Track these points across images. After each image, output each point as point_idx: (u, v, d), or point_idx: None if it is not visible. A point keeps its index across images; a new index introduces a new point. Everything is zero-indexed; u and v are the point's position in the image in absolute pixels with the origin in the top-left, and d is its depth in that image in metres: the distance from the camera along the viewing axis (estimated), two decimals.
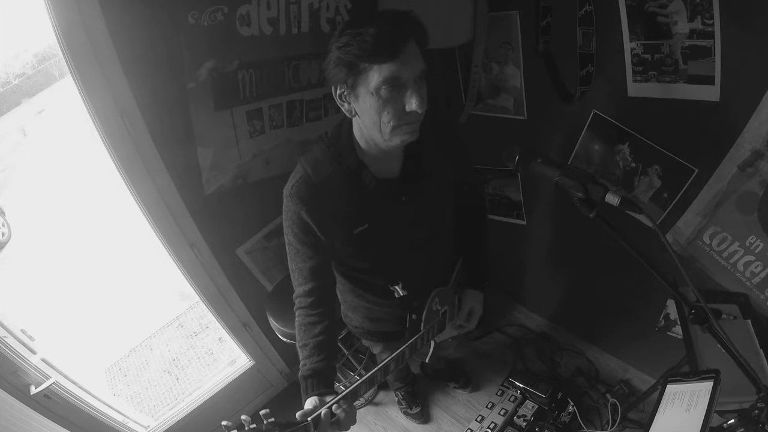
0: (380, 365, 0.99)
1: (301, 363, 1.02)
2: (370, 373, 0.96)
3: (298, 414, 0.87)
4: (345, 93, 0.86)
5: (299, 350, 1.04)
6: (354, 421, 0.91)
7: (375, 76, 0.80)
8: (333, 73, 0.84)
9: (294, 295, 1.10)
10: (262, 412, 0.77)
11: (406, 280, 1.12)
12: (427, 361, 1.26)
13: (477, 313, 1.29)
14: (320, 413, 0.85)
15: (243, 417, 0.75)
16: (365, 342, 1.45)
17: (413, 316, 1.15)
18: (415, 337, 1.10)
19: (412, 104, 0.82)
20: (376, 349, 1.47)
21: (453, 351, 1.82)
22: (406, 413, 2.01)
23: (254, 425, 0.75)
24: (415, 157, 1.01)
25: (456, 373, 2.08)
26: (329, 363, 1.03)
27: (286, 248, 1.06)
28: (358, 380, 0.94)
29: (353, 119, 0.93)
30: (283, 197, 1.00)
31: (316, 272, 1.04)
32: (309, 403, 0.91)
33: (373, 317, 1.29)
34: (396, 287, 1.11)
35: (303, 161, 0.99)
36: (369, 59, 0.79)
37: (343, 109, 0.91)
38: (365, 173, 0.97)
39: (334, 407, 0.87)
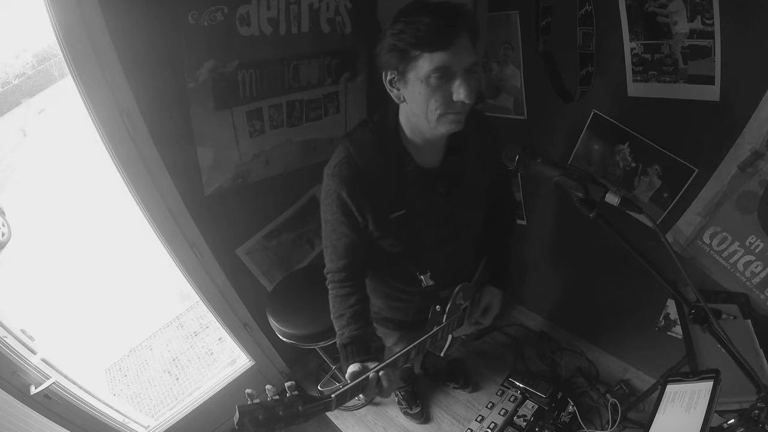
0: (411, 346, 1.00)
1: (339, 332, 1.06)
2: (408, 348, 0.99)
3: (348, 374, 0.93)
4: (395, 79, 0.89)
5: (335, 321, 1.08)
6: (396, 388, 0.96)
7: (426, 64, 0.82)
8: (385, 59, 0.87)
9: (325, 270, 1.12)
10: (287, 384, 0.77)
11: (435, 270, 1.13)
12: (442, 355, 1.26)
13: (494, 310, 1.30)
14: (368, 376, 0.90)
15: (267, 387, 0.76)
16: (380, 331, 1.45)
17: (437, 308, 1.16)
18: (437, 328, 1.11)
19: (460, 94, 0.84)
20: (389, 341, 1.46)
21: (455, 351, 1.82)
22: (406, 413, 2.01)
23: (277, 396, 0.75)
24: (456, 150, 1.03)
25: (456, 373, 2.08)
26: (366, 330, 1.07)
27: (322, 225, 1.07)
28: (399, 352, 0.98)
29: (401, 106, 0.95)
30: (324, 176, 1.02)
31: (350, 250, 1.06)
32: (352, 368, 0.96)
33: (394, 305, 1.30)
34: (424, 276, 1.13)
35: (347, 142, 1.00)
36: (421, 47, 0.81)
37: (392, 95, 0.93)
38: (408, 160, 0.99)
39: (380, 373, 0.92)
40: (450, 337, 1.22)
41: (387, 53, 0.85)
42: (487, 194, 1.19)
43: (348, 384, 0.87)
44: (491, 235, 1.30)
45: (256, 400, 0.74)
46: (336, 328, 1.08)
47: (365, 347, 1.05)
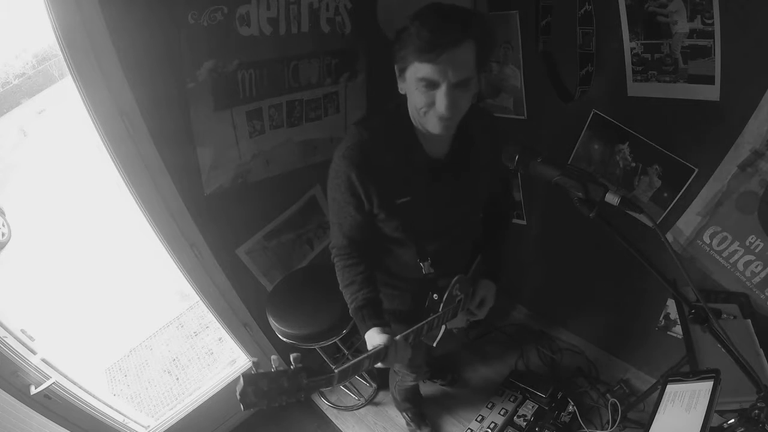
0: (410, 329, 1.05)
1: (351, 298, 1.09)
2: (408, 331, 1.04)
3: (367, 338, 1.01)
4: (399, 72, 0.93)
5: (345, 289, 1.11)
6: (406, 360, 1.03)
7: (415, 70, 0.87)
8: (395, 54, 0.91)
9: (330, 245, 1.15)
10: (293, 356, 0.77)
11: (435, 258, 1.15)
12: (434, 345, 1.26)
13: (488, 303, 1.32)
14: (386, 346, 0.96)
15: (273, 357, 0.77)
16: None
17: (435, 296, 1.17)
18: (433, 316, 1.12)
19: (440, 105, 0.88)
20: None
21: (447, 345, 1.81)
22: None
23: (282, 367, 0.76)
24: (462, 143, 1.06)
25: (443, 370, 2.07)
26: (377, 295, 1.11)
27: (329, 202, 1.10)
28: (418, 324, 1.05)
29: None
30: (335, 156, 1.04)
31: (355, 229, 1.09)
32: (372, 332, 1.02)
33: (390, 292, 1.30)
34: (424, 264, 1.15)
35: (360, 127, 1.03)
36: (413, 56, 0.85)
37: (399, 85, 0.96)
38: (417, 149, 1.03)
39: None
40: (443, 327, 1.23)
41: (396, 51, 0.90)
42: (489, 189, 1.21)
43: (352, 360, 0.89)
44: (489, 230, 1.32)
45: (261, 370, 0.73)
46: (347, 296, 1.10)
47: (379, 311, 1.08)
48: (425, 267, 1.15)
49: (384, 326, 1.05)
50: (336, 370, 0.83)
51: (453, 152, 1.07)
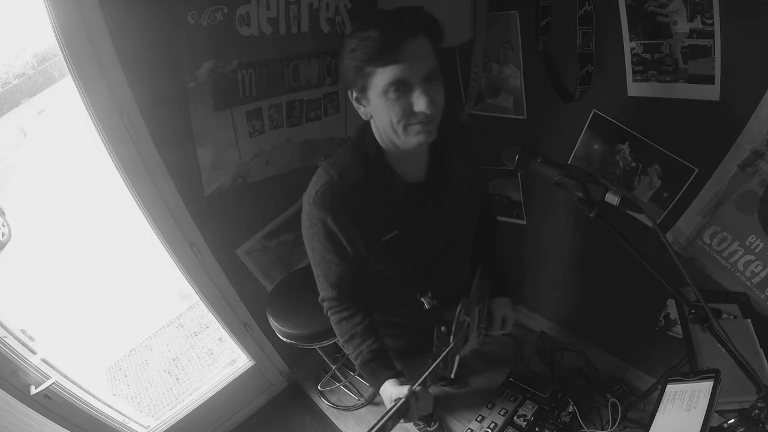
0: (426, 373, 0.95)
1: (356, 352, 1.01)
2: (425, 375, 0.94)
3: (384, 393, 0.93)
4: (358, 96, 0.87)
5: (347, 344, 1.04)
6: (430, 408, 0.93)
7: (381, 79, 0.80)
8: (345, 78, 0.85)
9: (320, 298, 1.07)
10: None
11: (435, 290, 1.08)
12: (452, 376, 1.23)
13: (511, 320, 1.27)
14: (407, 398, 0.87)
15: None
16: None
17: (443, 328, 1.10)
18: (446, 350, 1.05)
19: (420, 105, 0.81)
20: None
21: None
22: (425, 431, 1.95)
23: None
24: (440, 160, 0.99)
25: None
26: (383, 343, 1.03)
27: (309, 253, 1.02)
28: (433, 365, 0.96)
29: (371, 122, 0.92)
30: (305, 203, 0.95)
31: (342, 278, 1.01)
32: (389, 385, 0.95)
33: (392, 332, 1.22)
34: (425, 298, 1.08)
35: (327, 166, 0.94)
36: (372, 63, 0.79)
37: (359, 112, 0.90)
38: (394, 177, 0.95)
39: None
40: (458, 357, 1.17)
41: (345, 72, 0.83)
42: (477, 201, 1.15)
43: (373, 428, 0.81)
44: (482, 243, 1.26)
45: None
46: (350, 351, 1.03)
47: (389, 360, 1.00)
48: (427, 301, 1.07)
49: (399, 376, 0.97)
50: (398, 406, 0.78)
51: (431, 172, 0.99)
